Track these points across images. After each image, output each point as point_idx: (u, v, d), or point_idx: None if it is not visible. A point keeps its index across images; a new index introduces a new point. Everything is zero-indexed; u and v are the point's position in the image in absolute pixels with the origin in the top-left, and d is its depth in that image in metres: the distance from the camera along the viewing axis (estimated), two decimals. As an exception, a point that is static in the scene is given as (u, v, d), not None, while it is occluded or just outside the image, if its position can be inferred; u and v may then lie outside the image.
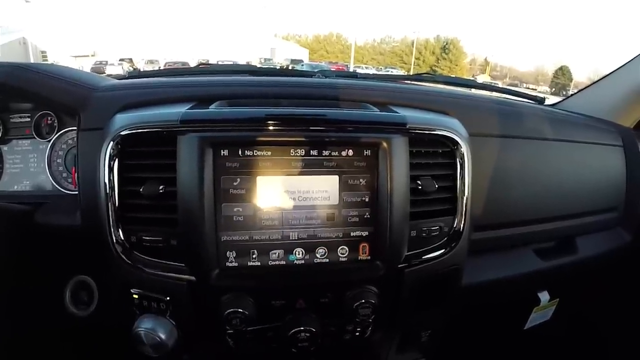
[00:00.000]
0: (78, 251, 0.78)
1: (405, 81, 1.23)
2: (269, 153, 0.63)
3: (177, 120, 0.63)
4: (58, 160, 0.86)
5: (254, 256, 0.65)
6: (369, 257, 0.67)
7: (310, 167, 0.64)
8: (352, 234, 0.66)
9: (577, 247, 1.03)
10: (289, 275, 0.67)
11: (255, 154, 0.63)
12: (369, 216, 0.66)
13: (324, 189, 0.65)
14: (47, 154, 0.86)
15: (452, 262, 0.75)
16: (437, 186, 0.70)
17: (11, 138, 0.88)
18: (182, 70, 1.18)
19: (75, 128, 0.84)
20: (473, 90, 1.22)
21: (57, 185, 0.85)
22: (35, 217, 0.76)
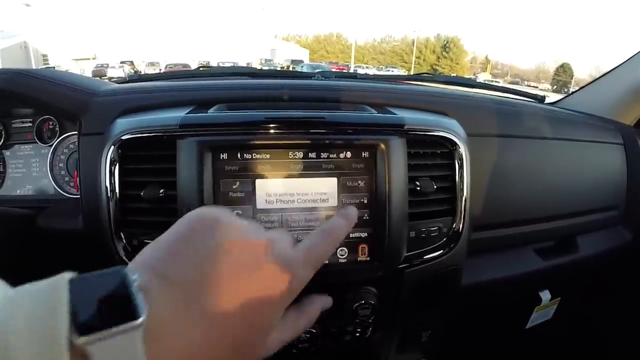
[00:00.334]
0: (80, 255, 0.78)
1: (405, 81, 1.24)
2: (268, 156, 0.64)
3: (176, 124, 0.63)
4: (60, 165, 0.87)
5: None
6: (368, 258, 0.68)
7: (309, 170, 0.65)
8: (351, 235, 0.66)
9: (578, 245, 1.03)
10: None
11: (254, 157, 0.63)
12: (367, 217, 0.67)
13: (322, 191, 0.65)
14: (49, 159, 0.87)
15: (452, 262, 0.75)
16: (435, 187, 0.71)
17: (13, 143, 0.89)
18: (182, 73, 1.18)
19: (76, 133, 0.85)
20: (473, 90, 1.22)
21: (59, 190, 0.86)
22: (37, 221, 0.77)
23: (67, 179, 0.87)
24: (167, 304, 0.28)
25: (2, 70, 0.79)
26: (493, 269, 0.93)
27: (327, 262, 0.66)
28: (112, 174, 0.64)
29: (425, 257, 0.72)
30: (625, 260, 1.12)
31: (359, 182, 0.66)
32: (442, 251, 0.73)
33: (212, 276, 0.30)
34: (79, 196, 0.76)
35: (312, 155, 0.65)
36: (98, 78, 1.01)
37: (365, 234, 0.67)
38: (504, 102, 1.01)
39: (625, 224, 1.09)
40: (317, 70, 1.15)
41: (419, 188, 0.69)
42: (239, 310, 0.31)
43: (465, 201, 0.73)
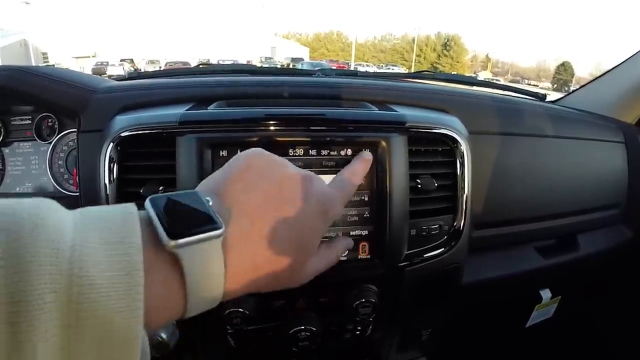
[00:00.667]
0: None
1: (406, 79, 1.23)
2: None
3: (175, 121, 0.63)
4: (59, 162, 0.87)
5: None
6: (368, 256, 0.67)
7: (310, 167, 0.64)
8: (351, 233, 0.66)
9: (579, 244, 1.02)
10: None
11: None
12: (368, 215, 0.66)
13: None
14: (48, 156, 0.86)
15: (453, 260, 0.75)
16: (436, 185, 0.70)
17: (12, 140, 0.89)
18: (182, 71, 1.18)
19: (75, 130, 0.84)
20: (474, 88, 1.22)
21: (58, 187, 0.86)
22: None
23: (66, 176, 0.86)
24: (235, 222, 0.33)
25: (2, 67, 0.79)
26: (494, 267, 0.93)
27: None
28: (111, 171, 0.63)
29: (426, 255, 0.72)
30: (626, 258, 1.11)
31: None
32: (443, 249, 0.73)
33: (272, 202, 0.36)
34: (78, 194, 0.76)
35: (313, 152, 0.64)
36: (98, 75, 1.01)
37: (366, 232, 0.67)
38: (505, 100, 1.01)
39: (627, 222, 1.09)
40: (317, 68, 1.14)
41: (420, 186, 0.69)
42: (292, 233, 0.36)
43: (466, 199, 0.73)
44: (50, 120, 0.88)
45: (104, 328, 0.23)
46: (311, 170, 0.64)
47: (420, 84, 1.05)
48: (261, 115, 0.65)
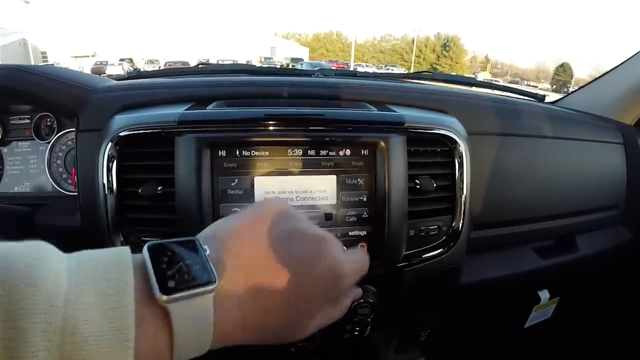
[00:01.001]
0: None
1: (405, 80, 1.23)
2: (267, 153, 0.63)
3: (174, 121, 0.63)
4: (58, 162, 0.87)
5: None
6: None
7: (308, 167, 0.64)
8: (350, 233, 0.66)
9: (577, 245, 1.02)
10: None
11: (252, 154, 0.63)
12: (367, 215, 0.66)
13: (322, 189, 0.65)
14: (46, 156, 0.86)
15: (451, 261, 0.75)
16: (435, 185, 0.70)
17: (11, 140, 0.89)
18: (182, 70, 1.18)
19: (74, 129, 0.84)
20: (473, 88, 1.22)
21: (57, 187, 0.86)
22: (35, 218, 0.76)
23: (64, 176, 0.86)
24: (229, 276, 0.32)
25: (0, 66, 0.79)
26: (492, 267, 0.93)
27: None
28: (109, 170, 0.63)
29: (424, 255, 0.72)
30: (624, 259, 1.11)
31: (359, 180, 0.66)
32: (441, 250, 0.73)
33: (274, 259, 0.34)
34: (76, 193, 0.76)
35: (312, 152, 0.64)
36: (97, 75, 1.01)
37: (365, 232, 0.67)
38: (504, 101, 1.01)
39: (625, 223, 1.09)
40: (317, 68, 1.14)
41: (418, 186, 0.69)
42: (292, 292, 0.34)
43: (465, 200, 0.73)
44: (49, 120, 0.88)
45: None
46: (310, 171, 0.65)
47: (419, 85, 1.05)
48: (260, 115, 0.65)
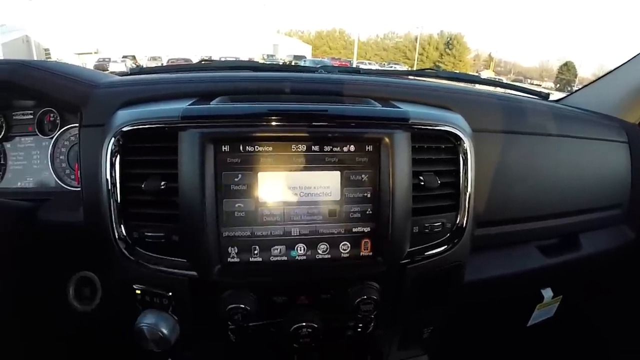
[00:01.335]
0: (81, 247, 0.78)
1: (409, 77, 1.23)
2: (271, 148, 0.63)
3: (178, 116, 0.63)
4: (61, 157, 0.87)
5: (255, 252, 0.65)
6: (370, 253, 0.67)
7: (312, 163, 0.64)
8: (354, 229, 0.66)
9: (581, 244, 1.02)
10: (290, 272, 0.67)
11: (256, 149, 0.63)
12: (371, 212, 0.66)
13: (325, 185, 0.65)
14: (49, 151, 0.86)
15: (455, 258, 0.75)
16: (439, 182, 0.70)
17: (14, 135, 0.89)
18: (184, 67, 1.17)
19: (77, 125, 0.84)
20: (477, 86, 1.21)
21: (60, 182, 0.86)
22: (38, 213, 0.77)
23: (67, 171, 0.86)
24: None
25: (4, 61, 0.79)
26: (496, 265, 0.93)
27: (329, 256, 0.66)
28: (112, 166, 0.63)
29: (428, 252, 0.72)
30: (628, 259, 1.11)
31: (363, 176, 0.65)
32: (445, 247, 0.73)
33: None
34: (79, 189, 0.76)
35: (315, 148, 0.64)
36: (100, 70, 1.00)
37: (368, 229, 0.67)
38: (508, 98, 1.00)
39: (629, 222, 1.09)
40: (320, 65, 1.14)
41: (423, 183, 0.69)
42: None
43: (469, 197, 0.73)
44: (52, 115, 0.87)
45: None
46: (314, 167, 0.64)
47: (423, 82, 1.04)
48: (264, 111, 0.64)
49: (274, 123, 0.64)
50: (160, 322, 0.66)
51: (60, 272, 0.84)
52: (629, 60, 1.15)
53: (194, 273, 0.65)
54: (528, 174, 0.91)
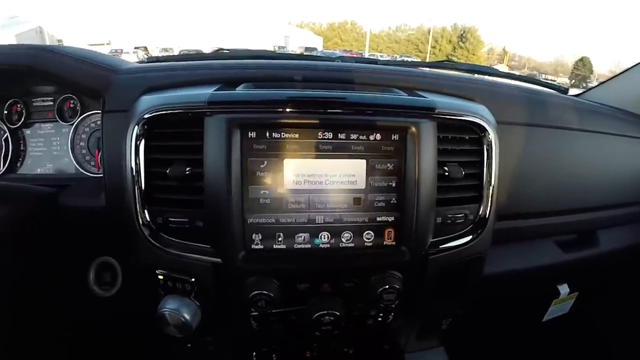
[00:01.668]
0: (102, 233, 0.79)
1: (426, 68, 1.21)
2: (297, 135, 0.63)
3: (204, 101, 0.62)
4: (81, 144, 0.87)
5: (279, 239, 0.65)
6: (394, 243, 0.67)
7: (338, 151, 0.64)
8: (378, 219, 0.66)
9: (599, 240, 1.01)
10: (314, 259, 0.67)
11: (283, 136, 0.62)
12: (395, 201, 0.66)
13: (351, 173, 0.64)
14: (70, 137, 0.87)
15: (476, 250, 0.74)
16: (464, 173, 0.69)
17: (34, 122, 0.89)
18: (201, 56, 1.17)
19: (98, 111, 0.84)
20: (496, 79, 1.19)
21: (80, 168, 0.86)
22: (59, 199, 0.77)
23: (87, 157, 0.87)
24: None
25: (28, 46, 0.79)
26: (514, 259, 0.92)
27: (353, 245, 0.66)
28: (137, 151, 0.63)
29: (450, 243, 0.71)
30: None
31: (388, 165, 0.65)
32: (468, 238, 0.72)
33: None
34: (100, 175, 0.76)
35: (342, 136, 0.63)
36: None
37: (392, 218, 0.66)
38: (531, 91, 0.98)
39: None
40: (336, 57, 1.12)
41: (447, 173, 0.68)
42: None
43: (492, 188, 0.72)
44: (72, 102, 0.88)
45: None
46: (340, 154, 0.63)
47: (447, 73, 1.02)
48: (292, 97, 0.64)
49: (301, 110, 0.63)
50: (182, 308, 0.66)
51: (81, 257, 0.85)
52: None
53: (218, 259, 0.65)
54: (548, 168, 0.90)
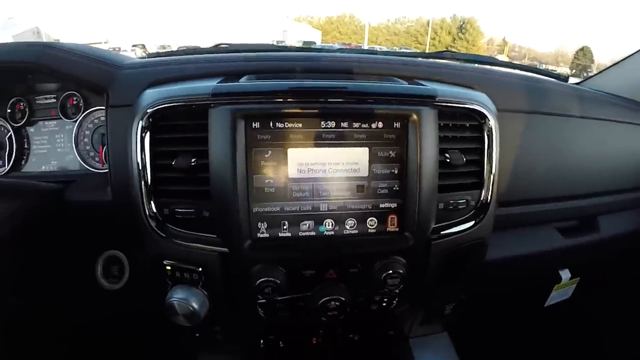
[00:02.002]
0: (108, 227, 0.80)
1: (426, 58, 1.21)
2: (300, 125, 0.64)
3: (208, 93, 0.63)
4: (85, 140, 0.88)
5: (284, 227, 0.66)
6: (397, 229, 0.68)
7: (341, 139, 0.65)
8: (381, 205, 0.67)
9: (600, 226, 1.02)
10: (319, 246, 0.68)
11: (286, 126, 0.63)
12: (398, 188, 0.67)
13: (354, 161, 0.65)
14: (74, 134, 0.87)
15: (478, 235, 0.76)
16: (465, 159, 0.70)
17: (37, 119, 0.90)
18: (202, 50, 1.17)
19: (101, 107, 0.85)
20: (496, 68, 1.19)
21: (84, 164, 0.87)
22: (65, 194, 0.78)
23: (92, 154, 0.88)
24: None
25: (32, 43, 0.79)
26: (516, 245, 0.93)
27: (357, 231, 0.67)
28: (142, 144, 0.64)
29: (453, 229, 0.72)
30: None
31: (390, 152, 0.66)
32: (470, 224, 0.73)
33: None
34: (105, 170, 0.77)
35: (344, 125, 0.64)
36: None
37: (395, 205, 0.67)
38: (531, 79, 0.99)
39: None
40: (335, 49, 1.13)
41: (448, 160, 0.69)
42: None
43: (494, 174, 0.73)
44: (75, 99, 0.89)
45: None
46: (342, 143, 0.64)
47: (446, 62, 1.03)
48: (295, 88, 0.65)
49: (304, 100, 0.64)
50: (190, 297, 0.68)
51: (89, 252, 0.86)
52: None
53: (224, 249, 0.66)
54: (549, 155, 0.91)
